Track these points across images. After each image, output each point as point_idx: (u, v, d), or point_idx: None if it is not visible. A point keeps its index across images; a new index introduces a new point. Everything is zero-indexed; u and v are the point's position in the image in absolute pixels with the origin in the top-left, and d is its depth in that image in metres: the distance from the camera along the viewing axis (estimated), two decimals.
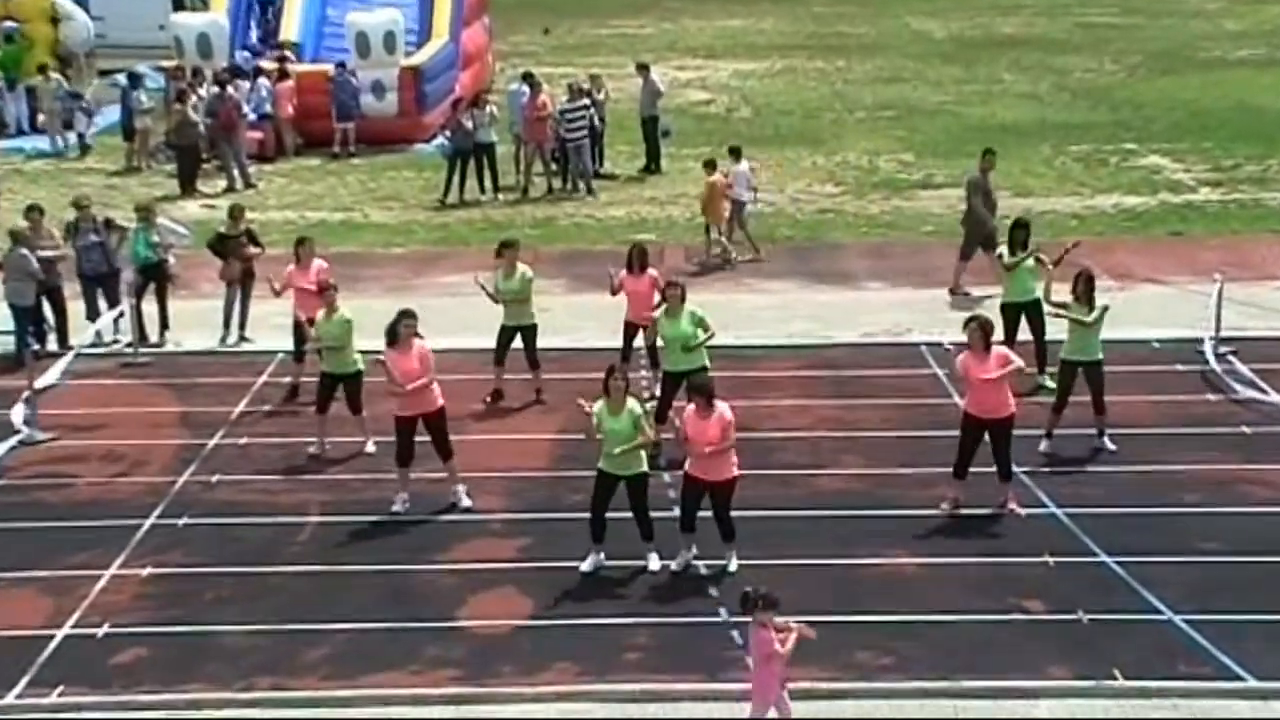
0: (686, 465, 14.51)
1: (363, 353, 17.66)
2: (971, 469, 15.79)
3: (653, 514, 14.81)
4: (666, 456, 16.46)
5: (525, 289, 19.06)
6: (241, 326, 21.85)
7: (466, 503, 16.21)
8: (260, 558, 15.17)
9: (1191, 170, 31.84)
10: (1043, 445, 17.27)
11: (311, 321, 17.86)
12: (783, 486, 16.64)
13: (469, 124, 30.10)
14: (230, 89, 32.58)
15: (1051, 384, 18.46)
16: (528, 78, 32.30)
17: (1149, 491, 16.32)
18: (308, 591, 14.49)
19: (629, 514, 14.64)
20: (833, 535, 15.44)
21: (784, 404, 19.11)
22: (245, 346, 21.67)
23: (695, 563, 14.72)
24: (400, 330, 15.94)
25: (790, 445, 17.81)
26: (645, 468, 14.63)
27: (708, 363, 17.11)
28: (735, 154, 26.57)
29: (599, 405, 14.47)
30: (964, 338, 15.79)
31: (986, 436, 15.63)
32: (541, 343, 19.68)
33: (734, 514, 14.75)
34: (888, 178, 31.86)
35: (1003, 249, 19.59)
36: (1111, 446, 17.29)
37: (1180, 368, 20.08)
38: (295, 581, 14.71)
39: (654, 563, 14.67)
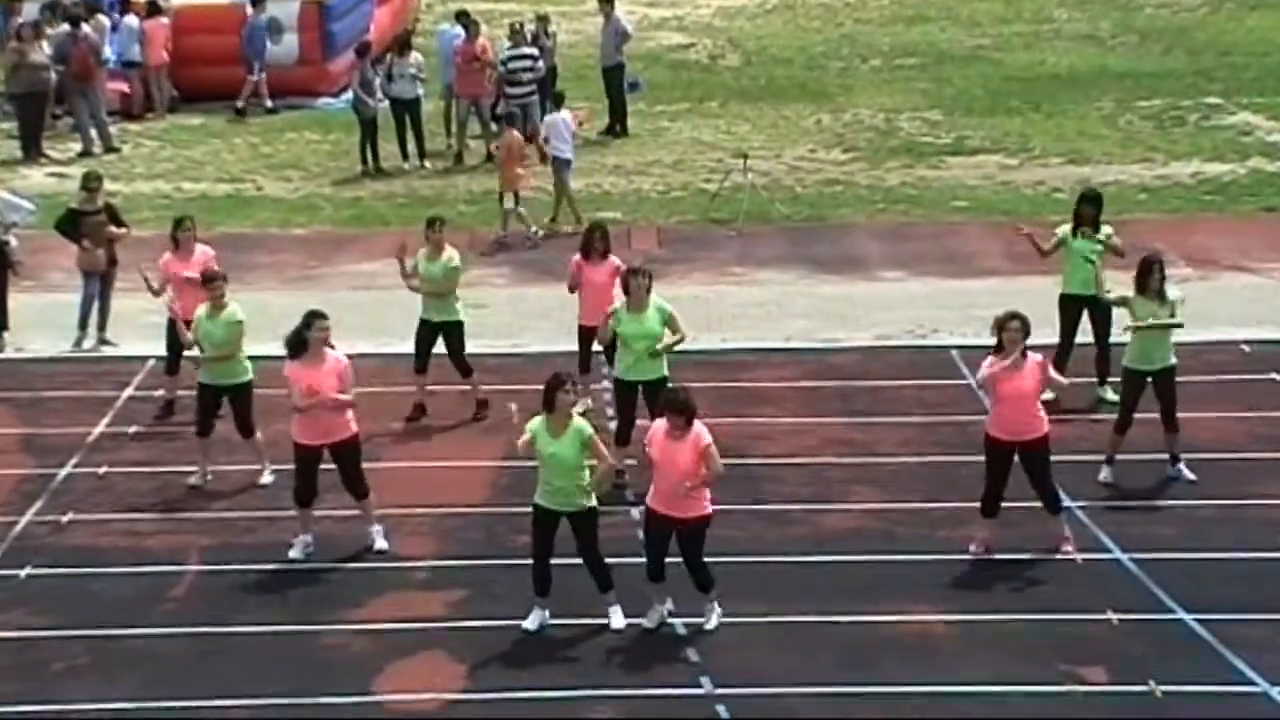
0: (649, 497, 14.56)
1: (254, 359, 17.63)
2: (1010, 503, 15.85)
3: (620, 559, 14.84)
4: (634, 489, 16.47)
5: (451, 277, 19.05)
6: (101, 327, 21.80)
7: (382, 545, 16.20)
8: (125, 617, 15.10)
9: None
10: (1103, 474, 17.34)
11: (189, 322, 17.83)
12: (780, 525, 16.67)
13: (378, 78, 30.09)
14: (86, 27, 32.47)
15: (1113, 397, 18.54)
16: (461, 16, 32.34)
17: (1237, 532, 16.37)
18: (184, 659, 14.43)
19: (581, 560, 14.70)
20: (842, 586, 15.47)
21: (780, 422, 19.15)
22: (106, 351, 21.63)
23: (671, 620, 14.74)
24: (310, 337, 15.91)
25: (789, 474, 17.85)
26: (591, 502, 14.64)
27: (668, 372, 17.14)
28: (557, 101, 28.04)
29: (535, 423, 14.47)
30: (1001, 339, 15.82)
31: (1018, 462, 15.73)
32: (480, 346, 19.66)
33: (720, 560, 14.79)
34: (909, 141, 31.96)
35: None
36: (1190, 475, 17.36)
37: (1277, 376, 20.19)
38: (169, 647, 14.65)
39: (617, 619, 14.69)
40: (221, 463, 17.84)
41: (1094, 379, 19.21)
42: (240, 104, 34.49)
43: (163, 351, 19.59)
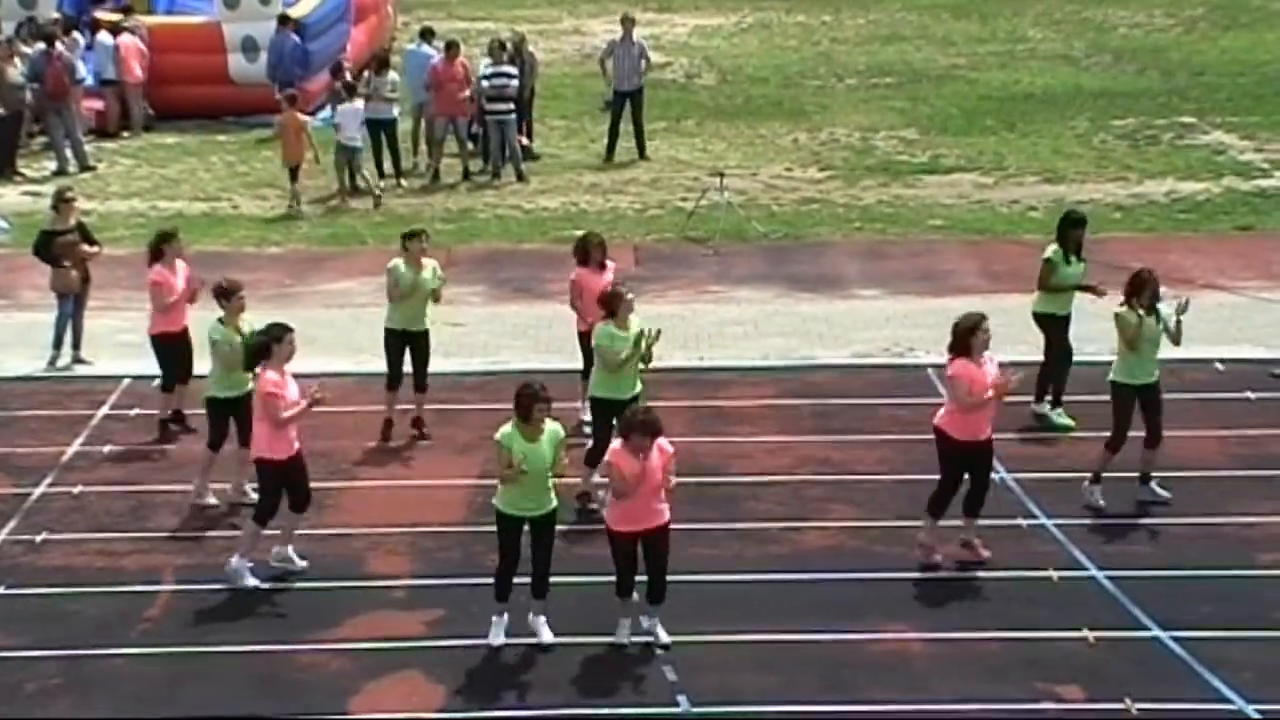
0: (610, 518, 14.53)
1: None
2: (985, 521, 15.87)
3: (594, 577, 14.85)
4: (603, 507, 16.43)
5: (437, 284, 18.92)
6: (76, 346, 21.69)
7: (301, 565, 16.13)
8: (99, 638, 15.03)
9: (1264, 150, 32.07)
10: (1095, 496, 17.15)
11: (174, 336, 17.80)
12: (756, 544, 16.63)
13: (353, 100, 30.14)
14: (60, 45, 32.40)
15: (1068, 421, 18.65)
16: (429, 35, 32.37)
17: (1213, 549, 16.38)
18: (159, 679, 14.36)
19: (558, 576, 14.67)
20: (820, 604, 15.43)
21: (757, 441, 19.11)
22: (80, 370, 21.53)
23: (637, 638, 14.70)
24: (275, 350, 15.82)
25: (765, 492, 17.82)
26: (555, 503, 14.70)
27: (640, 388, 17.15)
28: (349, 91, 29.65)
29: (506, 430, 14.45)
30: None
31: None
32: (458, 364, 19.60)
33: (698, 578, 14.86)
34: (885, 160, 31.98)
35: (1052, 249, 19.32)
36: (1164, 493, 17.33)
37: (1252, 395, 20.20)
38: (143, 667, 14.58)
39: (545, 633, 14.67)
40: (190, 481, 17.74)
41: (1076, 397, 19.19)
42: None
43: (136, 370, 19.48)
